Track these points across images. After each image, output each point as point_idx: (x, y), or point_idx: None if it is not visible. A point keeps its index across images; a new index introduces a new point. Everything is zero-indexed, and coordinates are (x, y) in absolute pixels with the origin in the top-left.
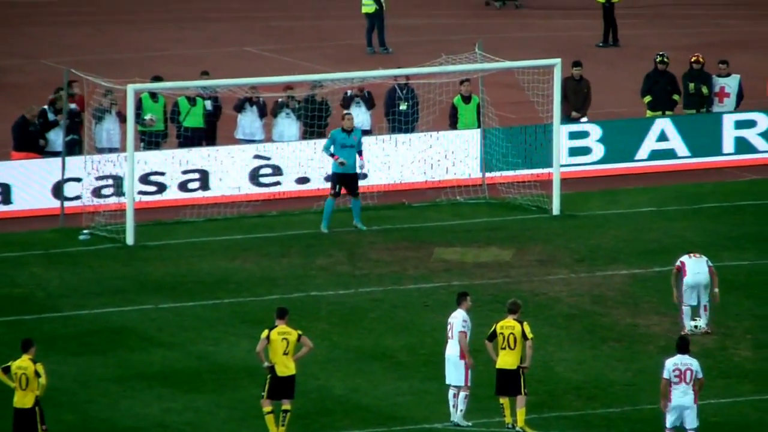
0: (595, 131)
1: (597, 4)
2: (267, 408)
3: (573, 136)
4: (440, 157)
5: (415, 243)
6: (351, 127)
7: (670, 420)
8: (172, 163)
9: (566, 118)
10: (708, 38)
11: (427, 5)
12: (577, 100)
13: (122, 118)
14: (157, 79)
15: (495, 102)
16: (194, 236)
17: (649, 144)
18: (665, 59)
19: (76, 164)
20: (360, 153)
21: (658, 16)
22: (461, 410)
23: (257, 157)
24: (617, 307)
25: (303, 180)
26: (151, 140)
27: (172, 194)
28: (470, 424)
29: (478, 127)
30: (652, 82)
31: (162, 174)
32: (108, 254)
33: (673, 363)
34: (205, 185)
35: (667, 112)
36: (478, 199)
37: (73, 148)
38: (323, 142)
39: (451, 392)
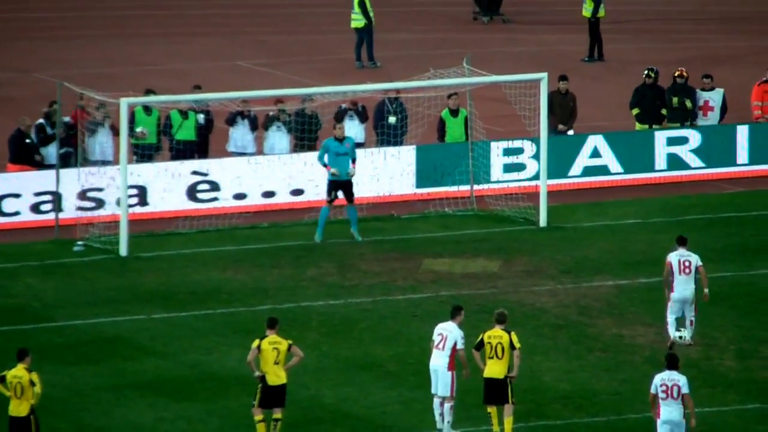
0: (530, 148)
1: (583, 19)
2: (258, 416)
3: (507, 152)
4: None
5: (404, 254)
6: (342, 135)
7: None
8: (164, 175)
9: (553, 132)
10: (692, 53)
11: (416, 20)
12: (564, 114)
13: (115, 131)
14: (150, 92)
15: (483, 115)
16: (187, 247)
17: (582, 160)
18: (652, 73)
19: (69, 176)
20: (353, 161)
21: (643, 32)
22: (448, 421)
23: (195, 173)
24: (603, 317)
25: (297, 192)
26: (143, 153)
27: (164, 206)
28: None
29: (466, 140)
30: (641, 96)
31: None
32: (102, 265)
33: (661, 378)
34: (143, 201)
35: (655, 126)
36: (466, 211)
37: (68, 160)
38: (314, 154)
39: (436, 401)
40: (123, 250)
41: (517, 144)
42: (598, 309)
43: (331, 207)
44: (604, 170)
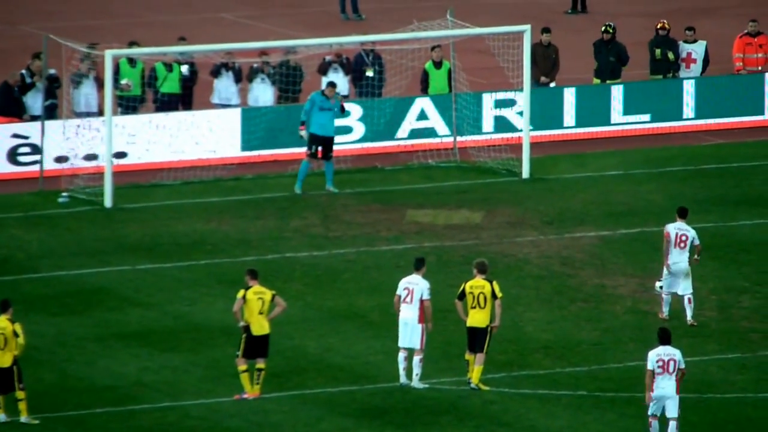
0: (357, 110)
1: None
2: (242, 367)
3: (498, 104)
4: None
5: (387, 205)
6: (331, 95)
7: (651, 408)
8: (149, 127)
9: (535, 83)
10: (675, 5)
11: None
12: (546, 66)
13: (100, 83)
14: (134, 44)
15: (466, 67)
16: (171, 199)
17: (410, 123)
18: (609, 29)
19: (55, 128)
20: (342, 109)
21: None
22: (417, 374)
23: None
24: (585, 268)
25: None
26: (128, 105)
27: (148, 157)
28: (426, 385)
29: (450, 92)
30: (597, 51)
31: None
32: (86, 216)
33: (656, 354)
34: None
35: (608, 81)
36: (449, 163)
37: (52, 112)
38: (296, 107)
39: (401, 355)
40: (107, 202)
41: (509, 95)
42: (580, 260)
43: (311, 160)
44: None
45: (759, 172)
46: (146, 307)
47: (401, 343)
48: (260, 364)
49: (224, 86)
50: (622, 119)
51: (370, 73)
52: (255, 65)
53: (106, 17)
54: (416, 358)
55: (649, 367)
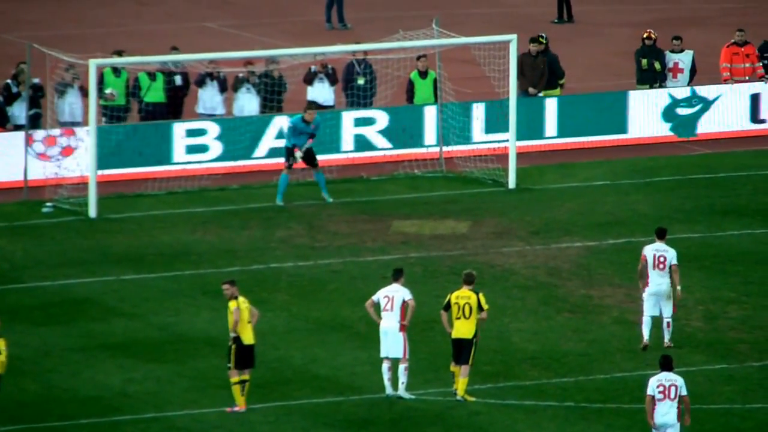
0: (214, 129)
1: None
2: (236, 378)
3: (190, 134)
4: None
5: (373, 216)
6: (311, 120)
7: None
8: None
9: (523, 94)
10: (662, 14)
11: None
12: (534, 76)
13: (84, 92)
14: (119, 53)
15: (452, 77)
16: (156, 209)
17: (267, 142)
18: (542, 39)
19: (39, 138)
20: (313, 138)
21: None
22: (403, 383)
23: None
24: (571, 278)
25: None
26: (113, 114)
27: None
28: (413, 396)
29: (435, 101)
30: (522, 63)
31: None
32: (71, 227)
33: (657, 380)
34: None
35: (544, 93)
36: (435, 173)
37: (37, 121)
38: (280, 118)
39: (385, 365)
40: (92, 212)
41: (201, 124)
42: (566, 270)
43: (290, 173)
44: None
45: (746, 182)
46: (131, 318)
47: (383, 353)
48: (245, 375)
49: (209, 96)
50: (484, 137)
51: (361, 82)
52: (240, 75)
53: (90, 26)
54: (401, 367)
55: (649, 392)
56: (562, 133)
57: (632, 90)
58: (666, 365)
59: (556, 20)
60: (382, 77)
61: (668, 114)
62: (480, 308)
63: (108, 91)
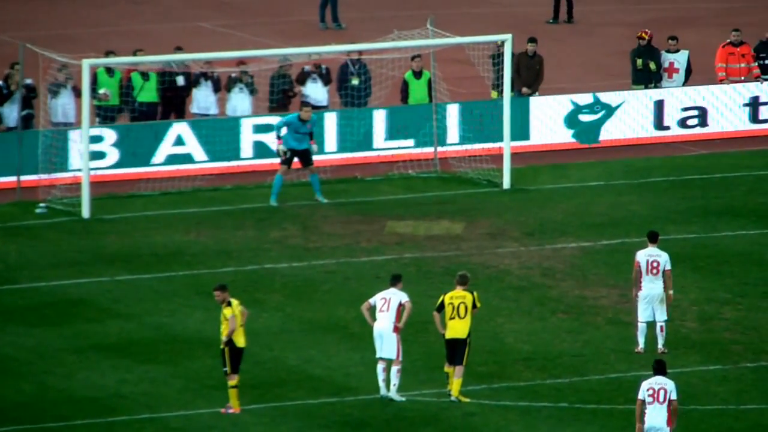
0: (111, 136)
1: None
2: (234, 382)
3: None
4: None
5: (367, 216)
6: (308, 118)
7: None
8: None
9: (517, 94)
10: (657, 14)
11: None
12: (529, 76)
13: (77, 92)
14: (112, 54)
15: (446, 77)
16: (149, 209)
17: (167, 148)
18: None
19: (31, 138)
20: (311, 136)
21: None
22: (395, 384)
23: None
24: (566, 279)
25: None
26: (106, 115)
27: (126, 168)
28: (404, 398)
29: (430, 102)
30: (518, 63)
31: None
32: (64, 227)
33: (648, 383)
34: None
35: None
36: (429, 173)
37: (29, 122)
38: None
39: (380, 366)
40: (85, 212)
41: (102, 131)
42: (561, 271)
43: (286, 172)
44: (188, 159)
45: (741, 183)
46: (125, 319)
47: (379, 354)
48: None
49: (203, 96)
50: (384, 144)
51: (355, 82)
52: (233, 75)
53: (83, 26)
54: (394, 369)
55: (640, 396)
56: (463, 139)
57: (533, 96)
58: (659, 370)
59: (551, 20)
60: (377, 77)
61: (571, 120)
62: (474, 306)
63: (102, 91)
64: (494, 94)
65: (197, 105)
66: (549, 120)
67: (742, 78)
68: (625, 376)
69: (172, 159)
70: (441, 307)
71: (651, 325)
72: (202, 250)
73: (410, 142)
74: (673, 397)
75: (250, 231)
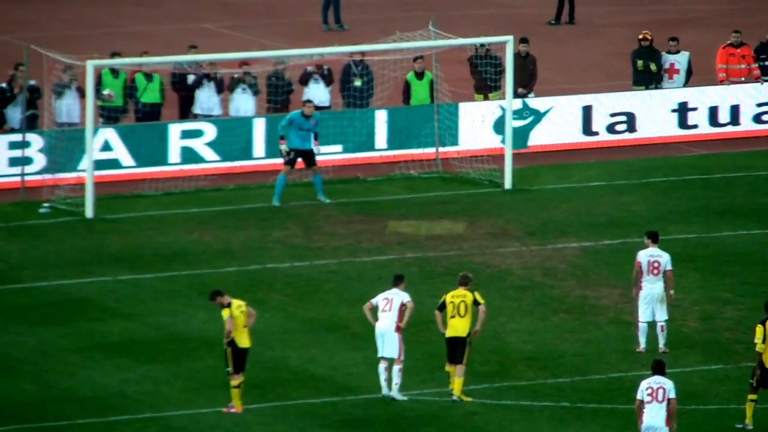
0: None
1: None
2: (236, 382)
3: (185, 135)
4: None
5: (369, 216)
6: (311, 113)
7: None
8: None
9: (513, 94)
10: (658, 15)
11: None
12: (524, 77)
13: (82, 93)
14: (116, 55)
15: (448, 78)
16: (152, 209)
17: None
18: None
19: (36, 138)
20: (316, 136)
21: None
22: (396, 383)
23: None
24: (567, 279)
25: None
26: (110, 115)
27: (131, 168)
28: (406, 398)
29: (431, 102)
30: (474, 67)
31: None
32: (68, 227)
33: (647, 383)
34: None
35: (491, 95)
36: (431, 174)
37: (33, 122)
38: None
39: (382, 366)
40: (89, 212)
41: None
42: (562, 270)
43: (289, 172)
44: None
45: (741, 183)
46: (128, 318)
47: (380, 353)
48: (241, 377)
49: (206, 96)
50: (386, 145)
51: (358, 83)
52: (236, 75)
53: (87, 28)
54: (395, 368)
55: (638, 396)
56: (391, 145)
57: (462, 102)
58: (658, 369)
59: (553, 21)
60: (379, 78)
61: (500, 126)
62: (476, 303)
63: (106, 92)
64: (479, 97)
65: (200, 106)
66: (479, 125)
67: (743, 79)
68: (626, 376)
69: (180, 158)
70: (443, 306)
71: (652, 325)
72: (205, 250)
73: (412, 142)
74: (672, 396)
75: (253, 231)
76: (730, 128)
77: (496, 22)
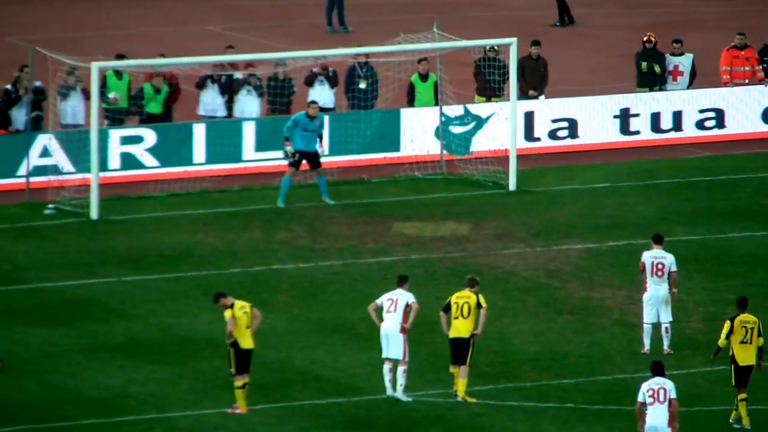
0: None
1: None
2: (239, 383)
3: (125, 141)
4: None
5: (374, 218)
6: (315, 114)
7: None
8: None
9: (523, 97)
10: (662, 17)
11: None
12: (535, 79)
13: (87, 95)
14: (121, 57)
15: (452, 80)
16: (157, 211)
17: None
18: (495, 46)
19: (41, 140)
20: (320, 138)
21: None
22: (401, 384)
23: None
24: (572, 280)
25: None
26: (114, 117)
27: (136, 169)
28: (411, 399)
29: (436, 104)
30: (479, 69)
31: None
32: (73, 228)
33: (648, 384)
34: None
35: (494, 99)
36: (436, 175)
37: (38, 124)
38: (286, 120)
39: (386, 366)
40: (94, 214)
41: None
42: (567, 272)
43: (294, 173)
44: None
45: (746, 185)
46: (132, 319)
47: (385, 354)
48: (246, 378)
49: (210, 98)
50: (254, 155)
51: (363, 85)
52: (241, 77)
53: (92, 30)
54: (400, 369)
55: (639, 399)
56: (333, 151)
57: (403, 108)
58: (658, 370)
59: (557, 23)
60: (384, 80)
61: (442, 132)
62: (479, 306)
63: (111, 95)
64: (480, 100)
65: (204, 107)
66: (420, 131)
67: (746, 81)
68: (631, 377)
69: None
70: (448, 308)
71: (656, 326)
72: (210, 251)
73: (417, 143)
74: (673, 396)
75: (258, 232)
76: (733, 130)
77: (500, 24)
